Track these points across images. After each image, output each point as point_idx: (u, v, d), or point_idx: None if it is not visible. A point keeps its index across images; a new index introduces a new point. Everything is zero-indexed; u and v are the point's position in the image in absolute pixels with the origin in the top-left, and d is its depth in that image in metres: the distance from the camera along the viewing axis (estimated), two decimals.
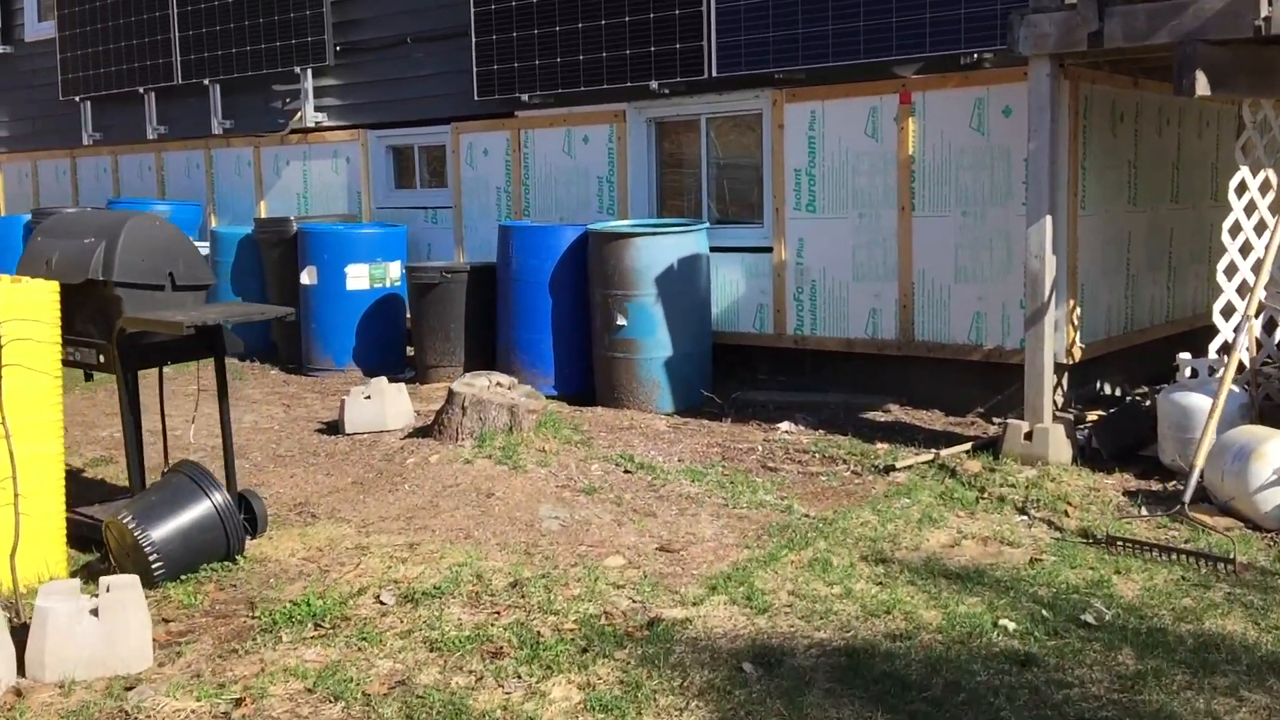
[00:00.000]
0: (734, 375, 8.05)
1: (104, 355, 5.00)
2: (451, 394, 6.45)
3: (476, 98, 9.00)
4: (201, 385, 8.39)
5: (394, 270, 9.03)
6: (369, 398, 7.03)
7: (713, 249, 7.83)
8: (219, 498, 4.80)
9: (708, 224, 7.80)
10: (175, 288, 5.10)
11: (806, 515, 5.36)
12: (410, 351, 9.06)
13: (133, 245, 4.94)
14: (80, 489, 6.19)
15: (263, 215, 11.02)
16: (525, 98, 8.70)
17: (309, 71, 10.26)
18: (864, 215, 7.30)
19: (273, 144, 10.85)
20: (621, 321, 7.43)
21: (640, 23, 8.01)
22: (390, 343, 9.02)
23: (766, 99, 7.69)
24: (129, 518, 4.66)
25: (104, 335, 4.99)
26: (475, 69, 8.96)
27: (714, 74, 7.73)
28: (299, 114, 10.37)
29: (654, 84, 7.98)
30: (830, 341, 7.53)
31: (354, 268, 8.88)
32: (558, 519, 5.36)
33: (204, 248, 10.23)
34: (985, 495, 5.55)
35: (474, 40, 8.93)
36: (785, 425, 7.01)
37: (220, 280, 9.91)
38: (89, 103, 12.52)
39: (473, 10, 8.91)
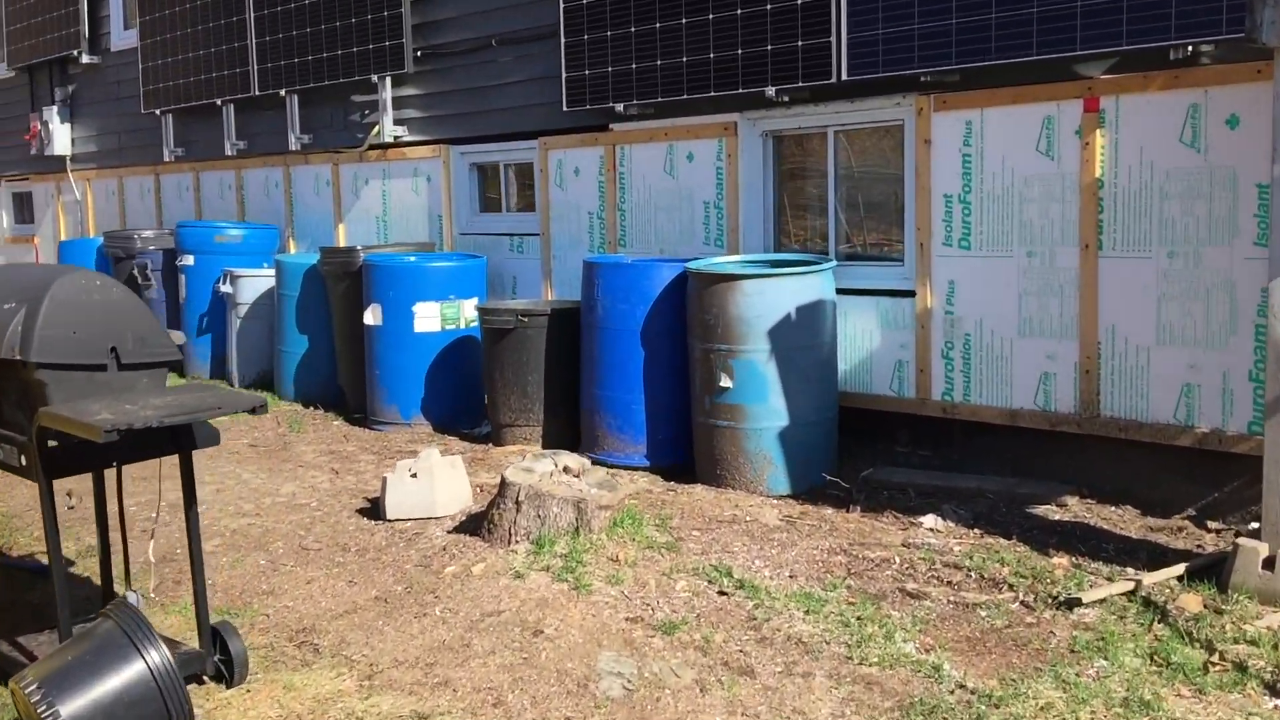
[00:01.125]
0: (865, 447, 6.58)
1: (25, 455, 3.82)
2: (504, 485, 5.14)
3: (565, 108, 7.71)
4: (236, 449, 7.28)
5: (469, 309, 7.80)
6: (415, 475, 5.78)
7: (840, 291, 6.38)
8: (156, 657, 3.57)
9: (834, 261, 6.35)
10: (121, 367, 3.90)
11: (962, 685, 3.88)
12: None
13: (59, 314, 3.75)
14: (47, 598, 5.08)
15: (341, 241, 9.96)
16: (620, 108, 7.38)
17: (387, 80, 9.11)
18: (1034, 254, 5.76)
19: (351, 161, 9.76)
20: (725, 383, 6.03)
21: (755, 15, 6.60)
22: (464, 393, 7.80)
23: (910, 107, 6.21)
24: (33, 685, 3.46)
25: (29, 430, 3.82)
26: (564, 74, 7.66)
27: (844, 77, 6.27)
28: (376, 128, 9.24)
29: (770, 90, 6.57)
30: (987, 411, 6.00)
31: (423, 306, 7.68)
32: (621, 677, 3.99)
33: (269, 278, 9.18)
34: (1216, 660, 3.99)
35: (563, 41, 7.64)
36: (929, 520, 5.53)
37: (285, 317, 8.84)
38: (170, 116, 11.66)
39: (561, 5, 7.62)
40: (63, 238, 13.79)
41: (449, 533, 5.50)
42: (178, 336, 4.18)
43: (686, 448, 6.46)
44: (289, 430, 8.08)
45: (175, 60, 11.29)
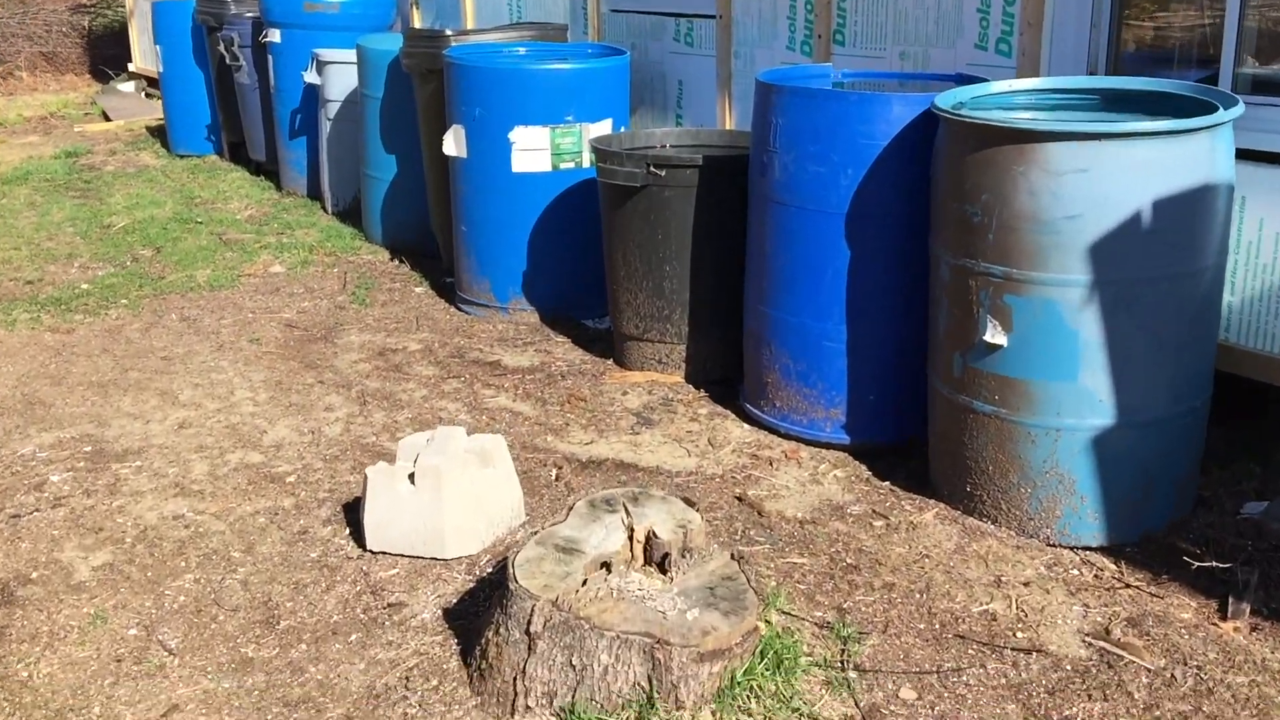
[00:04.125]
0: (1255, 452, 3.61)
1: None
2: (507, 593, 2.51)
3: None
4: (262, 333, 4.79)
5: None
6: (413, 478, 3.26)
7: (1240, 154, 3.29)
8: None
9: (1240, 104, 3.19)
10: None
11: None
12: None
13: None
14: None
15: (468, 14, 7.25)
16: None
17: None
18: None
19: None
20: (995, 336, 3.15)
21: None
22: (587, 266, 5.10)
23: None
24: None
25: None
26: None
27: None
28: None
29: None
30: None
31: (524, 133, 4.97)
32: None
33: (350, 68, 6.62)
34: None
35: None
36: None
37: (369, 127, 6.33)
38: None
39: None
40: None
41: (447, 611, 2.98)
42: None
43: (917, 421, 3.67)
44: (350, 300, 5.67)
45: None
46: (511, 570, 2.48)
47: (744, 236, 4.05)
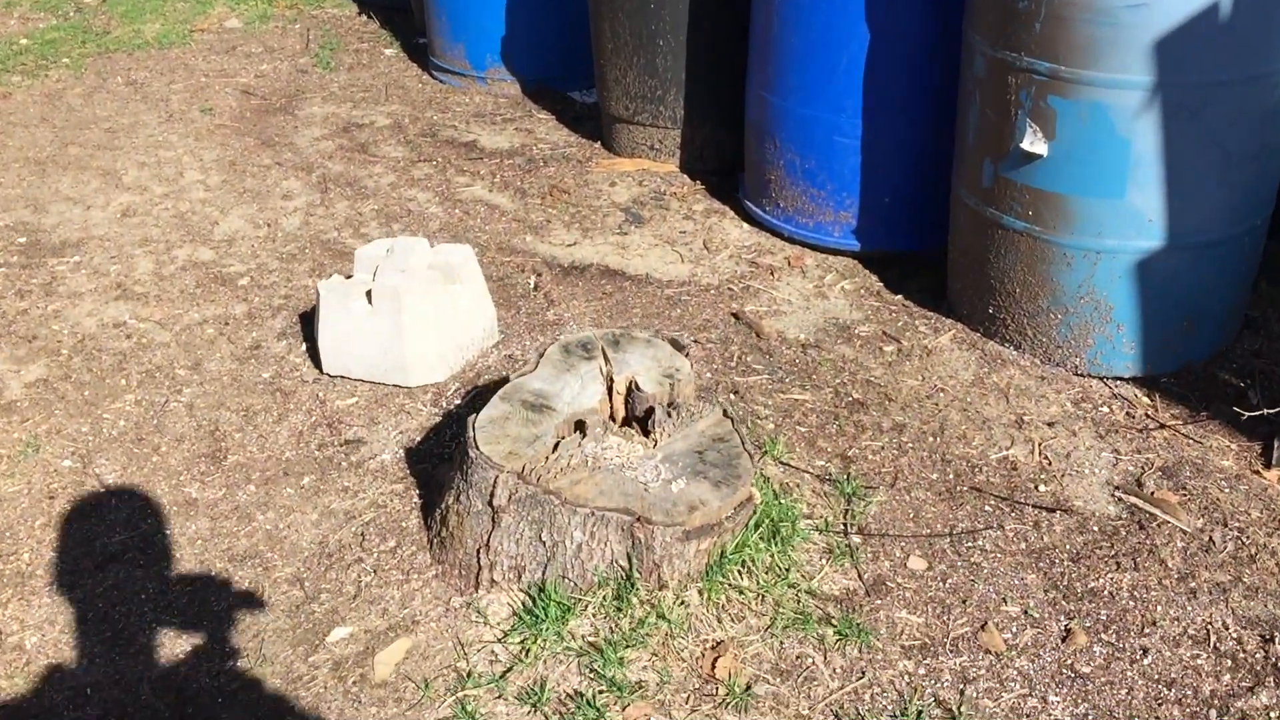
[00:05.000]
0: None
1: None
2: (467, 461, 2.19)
3: None
4: (216, 101, 4.40)
5: None
6: (371, 296, 2.90)
7: None
8: None
9: None
10: None
11: None
12: None
13: None
14: None
15: None
16: None
17: None
18: None
19: None
20: (1034, 144, 2.74)
21: None
22: (576, 32, 4.59)
23: None
24: None
25: None
26: None
27: None
28: None
29: None
30: None
31: None
32: None
33: None
34: None
35: None
36: None
37: None
38: None
39: None
40: None
41: (409, 451, 2.69)
42: None
43: (937, 231, 3.29)
44: (314, 62, 5.17)
45: None
46: (471, 434, 2.17)
47: (749, 9, 3.54)
